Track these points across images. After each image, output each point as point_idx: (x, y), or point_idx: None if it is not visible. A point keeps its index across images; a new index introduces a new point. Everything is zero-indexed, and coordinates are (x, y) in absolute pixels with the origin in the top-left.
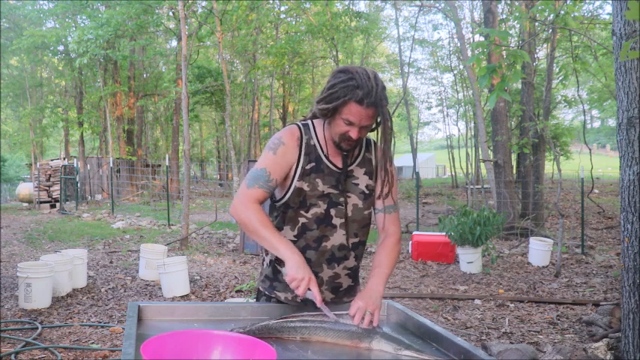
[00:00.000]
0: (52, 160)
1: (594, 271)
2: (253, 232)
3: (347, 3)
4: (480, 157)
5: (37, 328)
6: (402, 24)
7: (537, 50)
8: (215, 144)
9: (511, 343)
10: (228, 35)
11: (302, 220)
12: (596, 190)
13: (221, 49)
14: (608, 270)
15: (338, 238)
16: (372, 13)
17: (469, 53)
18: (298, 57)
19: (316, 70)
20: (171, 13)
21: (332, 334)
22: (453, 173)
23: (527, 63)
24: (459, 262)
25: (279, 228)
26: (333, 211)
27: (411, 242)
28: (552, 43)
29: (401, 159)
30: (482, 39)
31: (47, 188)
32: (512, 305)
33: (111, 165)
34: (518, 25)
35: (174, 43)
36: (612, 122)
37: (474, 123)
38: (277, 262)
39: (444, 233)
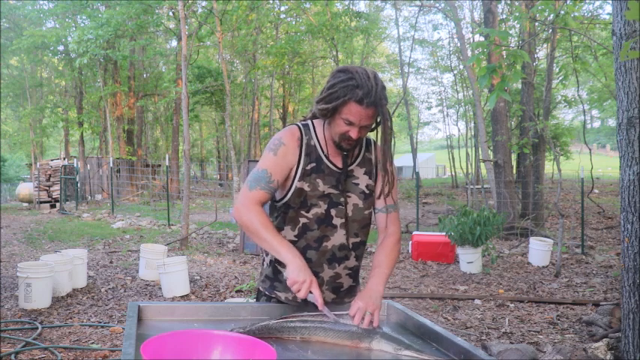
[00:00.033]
0: (52, 160)
1: (594, 271)
2: (255, 234)
3: (347, 3)
4: (480, 157)
5: (37, 328)
6: (402, 24)
7: (537, 50)
8: (215, 144)
9: (511, 343)
10: (228, 35)
11: (303, 220)
12: (596, 190)
13: (221, 49)
14: (608, 270)
15: (338, 238)
16: (372, 13)
17: (469, 53)
18: (298, 57)
19: (316, 70)
20: (171, 13)
21: (332, 334)
22: (453, 173)
23: (527, 63)
24: (459, 262)
25: (280, 228)
26: (333, 211)
27: (411, 242)
28: (552, 43)
29: (401, 159)
30: (482, 39)
31: (47, 188)
32: (512, 305)
33: (111, 165)
34: (518, 25)
35: (174, 43)
36: (612, 122)
37: (474, 123)
38: (277, 263)
39: (444, 233)
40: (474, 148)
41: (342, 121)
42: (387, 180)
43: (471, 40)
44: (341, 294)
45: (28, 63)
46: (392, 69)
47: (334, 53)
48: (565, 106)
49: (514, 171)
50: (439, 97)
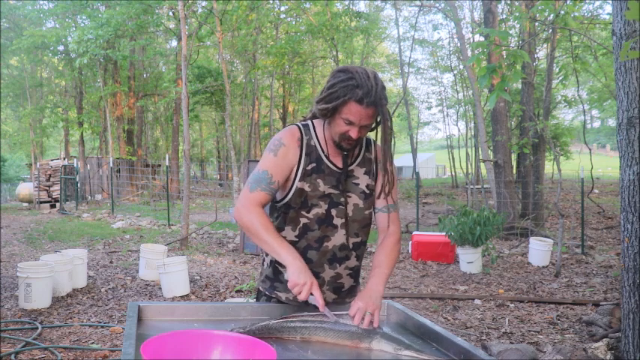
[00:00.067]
0: (52, 160)
1: (594, 271)
2: (255, 235)
3: (347, 3)
4: (480, 157)
5: (37, 328)
6: (402, 24)
7: (537, 50)
8: (215, 144)
9: (511, 343)
10: (228, 35)
11: (303, 220)
12: (596, 190)
13: (221, 49)
14: (608, 270)
15: (339, 238)
16: (372, 13)
17: (469, 53)
18: (298, 57)
19: (316, 70)
20: (171, 13)
21: (332, 334)
22: (453, 173)
23: (527, 63)
24: (459, 262)
25: (281, 229)
26: (334, 211)
27: (411, 242)
28: (552, 43)
29: (401, 159)
30: (482, 39)
31: (47, 188)
32: (512, 305)
33: (111, 165)
34: (518, 25)
35: (174, 43)
36: (612, 122)
37: (474, 123)
38: (278, 263)
39: (444, 233)
40: (474, 148)
41: (342, 121)
42: (387, 180)
43: (471, 40)
44: (342, 294)
45: (28, 63)
46: (392, 69)
47: (334, 53)
48: (565, 106)
49: (514, 171)
50: (439, 97)
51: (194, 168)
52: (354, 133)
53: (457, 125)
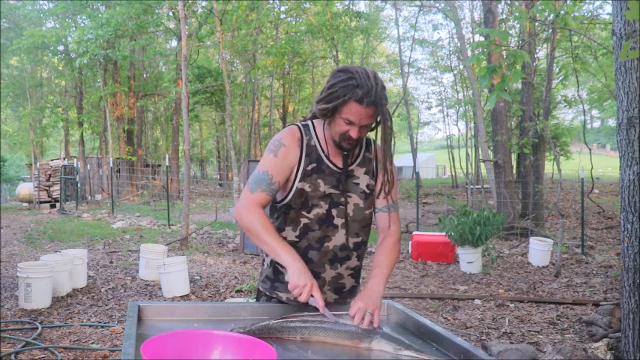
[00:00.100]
0: (52, 160)
1: (594, 271)
2: (256, 236)
3: (347, 3)
4: (480, 157)
5: (37, 328)
6: (402, 24)
7: (537, 50)
8: (215, 144)
9: (511, 343)
10: (228, 35)
11: (304, 220)
12: (596, 190)
13: (221, 49)
14: (608, 270)
15: (340, 238)
16: (372, 13)
17: (469, 53)
18: (298, 57)
19: (316, 70)
20: (171, 13)
21: (332, 335)
22: (453, 173)
23: (527, 63)
24: (459, 262)
25: (281, 229)
26: (334, 212)
27: (411, 242)
28: (552, 43)
29: (401, 159)
30: (482, 39)
31: (47, 188)
32: (512, 305)
33: (111, 165)
34: (518, 25)
35: (174, 43)
36: (612, 122)
37: (474, 123)
38: (278, 263)
39: (444, 233)
40: (474, 148)
41: (342, 121)
42: (387, 179)
43: (471, 40)
44: (343, 294)
45: (28, 63)
46: (392, 69)
47: (334, 53)
48: (565, 106)
49: (514, 171)
50: (439, 97)
51: (194, 168)
52: (354, 133)
53: (457, 125)
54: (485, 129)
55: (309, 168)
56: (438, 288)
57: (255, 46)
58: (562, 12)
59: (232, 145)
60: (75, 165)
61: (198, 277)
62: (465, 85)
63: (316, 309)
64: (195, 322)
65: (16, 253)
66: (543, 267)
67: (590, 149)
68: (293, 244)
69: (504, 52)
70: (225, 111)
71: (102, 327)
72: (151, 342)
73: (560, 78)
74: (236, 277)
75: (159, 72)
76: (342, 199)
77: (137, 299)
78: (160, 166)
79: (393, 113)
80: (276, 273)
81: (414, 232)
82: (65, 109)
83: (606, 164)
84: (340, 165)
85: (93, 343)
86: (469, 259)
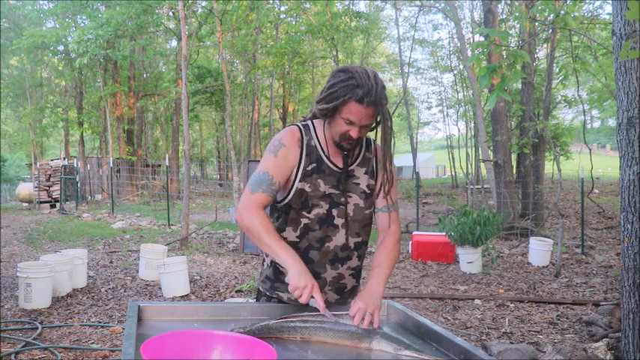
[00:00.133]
0: (52, 160)
1: (594, 271)
2: (256, 237)
3: (347, 3)
4: (480, 157)
5: (37, 328)
6: (402, 24)
7: (537, 50)
8: (215, 144)
9: (511, 343)
10: (228, 35)
11: (304, 220)
12: (596, 190)
13: (221, 49)
14: (608, 270)
15: (340, 238)
16: (372, 13)
17: (469, 53)
18: (298, 57)
19: (316, 70)
20: (171, 13)
21: (332, 334)
22: (453, 173)
23: (527, 63)
24: (459, 262)
25: (281, 229)
26: (335, 212)
27: (411, 242)
28: (552, 43)
29: (401, 159)
30: (482, 39)
31: (47, 188)
32: (512, 305)
33: (111, 165)
34: (518, 25)
35: (174, 43)
36: (612, 122)
37: (474, 123)
38: (278, 263)
39: (444, 233)
40: (474, 148)
41: (342, 121)
42: (386, 179)
43: (471, 40)
44: (345, 294)
45: (28, 63)
46: (392, 69)
47: (334, 53)
48: (565, 106)
49: (514, 171)
50: (439, 97)
51: (194, 168)
52: (354, 133)
53: (457, 125)
54: (485, 129)
55: (310, 168)
56: (438, 288)
57: (255, 46)
58: (562, 12)
59: (232, 145)
60: (75, 165)
61: (198, 277)
62: (465, 85)
63: (316, 309)
64: (195, 322)
65: (16, 253)
66: (543, 267)
67: (590, 149)
68: (293, 245)
69: (504, 52)
70: (225, 111)
71: (102, 327)
72: (150, 342)
73: (560, 78)
74: (236, 277)
75: (159, 72)
76: (343, 199)
77: (137, 299)
78: (159, 166)
79: (393, 113)
80: (277, 273)
81: (414, 232)
82: (65, 109)
83: (606, 164)
84: (340, 165)
85: (93, 343)
86: (469, 259)
